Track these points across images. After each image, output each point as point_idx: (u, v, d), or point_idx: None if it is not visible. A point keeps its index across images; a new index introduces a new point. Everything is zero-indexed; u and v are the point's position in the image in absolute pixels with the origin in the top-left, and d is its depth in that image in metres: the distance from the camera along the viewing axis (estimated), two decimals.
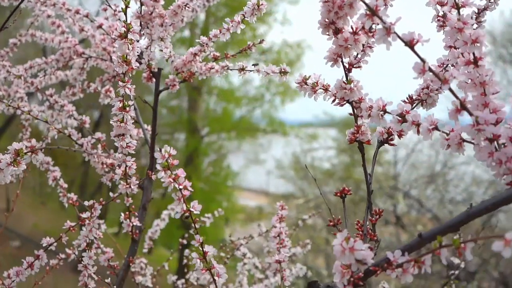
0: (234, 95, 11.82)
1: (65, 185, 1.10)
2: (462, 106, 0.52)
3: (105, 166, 1.02)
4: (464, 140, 0.54)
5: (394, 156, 6.89)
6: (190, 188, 0.63)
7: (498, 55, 9.33)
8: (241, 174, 11.93)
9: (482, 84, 0.53)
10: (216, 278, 0.65)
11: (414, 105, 0.68)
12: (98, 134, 1.06)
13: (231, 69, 0.99)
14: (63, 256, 1.13)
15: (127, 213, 0.96)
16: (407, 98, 0.69)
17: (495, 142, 0.51)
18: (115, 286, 0.94)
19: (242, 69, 0.97)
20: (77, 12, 1.09)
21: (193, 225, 0.65)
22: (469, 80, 0.56)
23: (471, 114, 0.51)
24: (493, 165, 0.51)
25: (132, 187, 0.90)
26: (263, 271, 1.45)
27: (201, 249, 0.65)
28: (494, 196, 0.50)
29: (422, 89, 0.68)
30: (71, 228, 0.92)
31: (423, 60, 0.51)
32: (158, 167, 0.62)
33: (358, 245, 0.50)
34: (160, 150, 0.61)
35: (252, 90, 12.18)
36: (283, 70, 0.85)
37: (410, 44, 0.51)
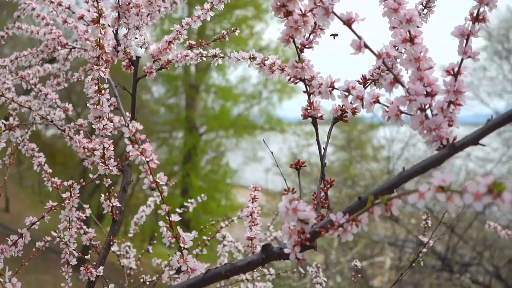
0: (232, 93, 11.87)
1: (50, 170, 1.15)
2: (396, 79, 0.57)
3: (86, 150, 1.07)
4: (401, 112, 0.59)
5: (388, 150, 6.96)
6: (156, 161, 0.68)
7: (494, 50, 9.38)
8: (239, 171, 11.98)
9: (417, 60, 0.58)
10: (182, 245, 0.70)
11: (367, 84, 0.73)
12: (80, 121, 1.10)
13: (205, 56, 1.04)
14: (48, 238, 1.18)
15: (107, 194, 1.01)
16: (360, 78, 0.74)
17: (427, 112, 0.56)
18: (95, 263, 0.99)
19: (214, 56, 1.02)
20: (59, 4, 1.14)
21: (160, 195, 0.70)
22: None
23: (403, 86, 0.56)
24: (424, 133, 0.56)
25: (111, 168, 0.95)
26: (246, 254, 1.50)
27: (167, 218, 0.70)
28: (423, 160, 0.55)
29: (375, 69, 0.73)
30: (53, 208, 0.97)
31: (359, 37, 0.56)
32: (126, 140, 0.66)
33: (300, 206, 0.55)
34: (128, 126, 0.66)
35: (249, 87, 12.25)
36: (252, 56, 0.89)
37: (348, 23, 0.55)
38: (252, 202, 1.00)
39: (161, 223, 0.70)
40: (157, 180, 0.68)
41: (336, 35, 0.70)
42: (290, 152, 10.13)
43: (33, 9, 1.25)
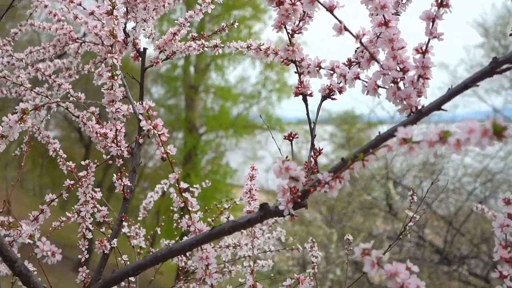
0: (231, 93, 11.97)
1: (64, 155, 1.24)
2: (372, 57, 0.66)
3: (99, 135, 1.16)
4: (378, 86, 0.69)
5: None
6: (167, 134, 0.77)
7: (491, 47, 9.46)
8: (239, 171, 12.05)
9: (391, 41, 0.68)
10: (190, 208, 0.80)
11: (352, 66, 0.82)
12: (92, 108, 1.20)
13: (206, 47, 1.13)
14: (64, 218, 1.27)
15: (119, 174, 1.10)
16: (346, 61, 0.83)
17: (399, 84, 0.66)
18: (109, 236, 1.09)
19: (215, 46, 1.11)
20: (71, 1, 1.23)
21: (170, 165, 0.79)
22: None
23: (378, 62, 0.66)
24: (397, 102, 0.66)
25: (123, 149, 1.04)
26: (247, 233, 1.59)
27: (177, 185, 0.79)
28: (396, 125, 0.64)
29: (358, 52, 0.83)
30: (70, 186, 1.07)
31: (340, 22, 0.65)
32: (140, 116, 0.76)
33: (292, 165, 0.64)
34: (142, 103, 0.76)
35: (248, 87, 12.35)
36: (249, 45, 0.99)
37: (330, 9, 0.65)
38: (250, 180, 1.09)
39: (172, 189, 0.80)
40: (168, 151, 0.77)
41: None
42: (289, 150, 10.18)
43: (46, 6, 1.34)
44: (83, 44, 1.35)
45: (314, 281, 1.20)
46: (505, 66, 0.59)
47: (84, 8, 1.23)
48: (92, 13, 1.19)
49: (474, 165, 7.89)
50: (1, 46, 1.32)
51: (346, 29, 0.65)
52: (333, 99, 0.82)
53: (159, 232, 1.58)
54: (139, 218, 1.56)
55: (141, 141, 1.09)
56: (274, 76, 12.02)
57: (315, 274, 1.22)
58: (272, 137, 1.13)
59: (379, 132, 0.65)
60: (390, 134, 0.64)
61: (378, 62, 0.66)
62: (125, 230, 1.42)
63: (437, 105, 0.61)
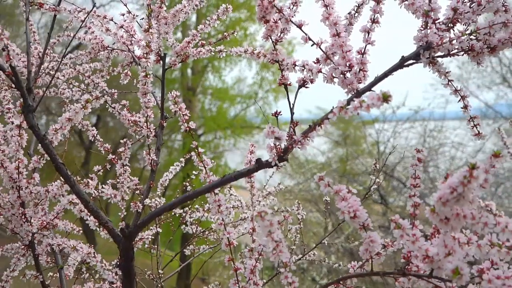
0: (228, 94, 12.29)
1: (101, 140, 1.57)
2: (328, 57, 1.00)
3: (130, 122, 1.49)
4: (333, 76, 1.02)
5: (377, 137, 7.41)
6: (188, 114, 1.11)
7: None
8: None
9: (341, 46, 1.01)
10: (205, 166, 1.13)
11: (320, 64, 1.15)
12: (124, 101, 1.53)
13: (213, 52, 1.46)
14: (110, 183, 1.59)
15: (147, 150, 1.43)
16: (315, 59, 1.16)
17: (346, 75, 0.99)
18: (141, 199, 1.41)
19: (220, 51, 1.44)
20: (104, 17, 1.56)
21: (191, 136, 1.12)
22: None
23: (331, 61, 0.99)
24: (344, 87, 0.99)
25: (151, 130, 1.37)
26: (248, 207, 1.92)
27: (197, 150, 1.13)
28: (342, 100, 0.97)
29: (322, 54, 1.16)
30: (113, 160, 1.40)
31: (306, 34, 0.98)
32: (169, 102, 1.09)
33: (276, 129, 0.98)
34: (170, 92, 1.09)
35: (245, 88, 12.68)
36: (246, 50, 1.32)
37: (299, 26, 0.98)
38: (250, 154, 1.42)
39: (192, 153, 1.13)
40: (190, 126, 1.11)
41: None
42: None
43: (82, 21, 1.67)
44: (112, 51, 1.68)
45: (300, 234, 1.52)
46: (410, 62, 0.93)
47: (115, 23, 1.56)
48: (121, 27, 1.52)
49: (464, 158, 8.25)
50: (48, 53, 1.65)
51: (310, 39, 0.98)
52: (306, 87, 1.16)
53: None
54: (157, 193, 1.89)
55: (164, 124, 1.43)
56: (271, 76, 12.36)
57: (301, 228, 1.54)
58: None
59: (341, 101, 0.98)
60: (337, 106, 0.97)
61: (331, 61, 0.99)
62: (146, 201, 1.74)
63: (367, 88, 0.95)
